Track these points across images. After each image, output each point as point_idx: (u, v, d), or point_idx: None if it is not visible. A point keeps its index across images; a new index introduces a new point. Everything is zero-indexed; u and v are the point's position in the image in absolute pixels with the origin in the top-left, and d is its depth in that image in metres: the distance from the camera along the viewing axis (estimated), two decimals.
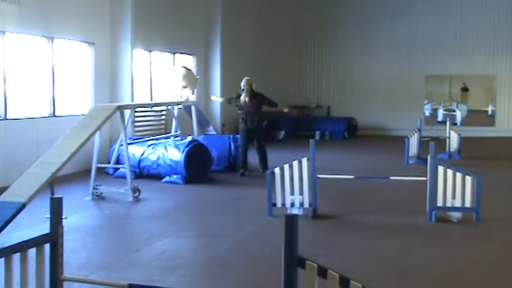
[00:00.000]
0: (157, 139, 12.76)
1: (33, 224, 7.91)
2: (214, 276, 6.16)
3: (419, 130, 14.95)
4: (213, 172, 12.46)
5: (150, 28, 15.72)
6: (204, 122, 14.01)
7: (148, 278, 5.88)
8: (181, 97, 13.08)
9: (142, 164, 12.12)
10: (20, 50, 11.82)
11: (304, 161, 8.47)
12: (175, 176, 11.67)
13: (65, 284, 4.13)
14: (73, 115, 12.62)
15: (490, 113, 22.88)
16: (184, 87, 13.11)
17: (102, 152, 11.73)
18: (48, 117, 12.41)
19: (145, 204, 9.79)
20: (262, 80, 13.64)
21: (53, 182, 8.60)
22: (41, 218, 7.84)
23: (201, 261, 6.68)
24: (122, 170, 11.53)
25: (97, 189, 10.15)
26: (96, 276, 5.92)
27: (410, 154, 14.28)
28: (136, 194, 10.08)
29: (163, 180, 11.76)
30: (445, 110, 23.00)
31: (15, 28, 11.40)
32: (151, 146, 12.25)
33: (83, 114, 11.06)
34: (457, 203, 8.25)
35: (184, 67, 13.66)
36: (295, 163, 8.47)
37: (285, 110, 14.27)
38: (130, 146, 11.37)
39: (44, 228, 4.43)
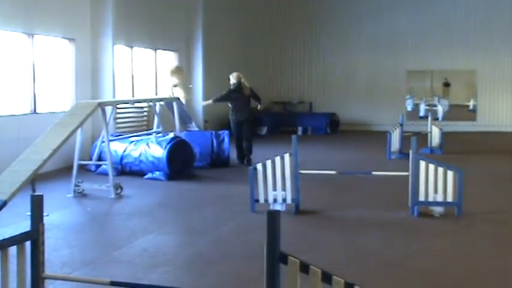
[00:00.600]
0: (139, 136, 12.71)
1: (14, 222, 7.87)
2: (197, 272, 6.15)
3: (401, 125, 15.00)
4: (196, 168, 12.45)
5: (131, 24, 15.63)
6: (186, 118, 13.97)
7: (131, 275, 5.86)
8: (172, 95, 13.07)
9: (125, 160, 12.06)
10: (0, 47, 11.71)
11: (287, 156, 8.49)
12: (157, 173, 11.63)
13: (47, 282, 4.10)
14: (54, 112, 12.53)
15: (471, 107, 23.07)
16: (175, 85, 13.10)
17: (84, 148, 11.68)
18: (29, 114, 12.30)
19: (127, 201, 9.76)
20: (244, 76, 13.65)
21: (35, 179, 8.55)
22: (22, 216, 7.77)
23: (184, 257, 6.67)
24: (103, 166, 11.47)
25: (79, 186, 10.09)
26: (78, 274, 5.90)
27: (392, 149, 14.32)
28: (119, 190, 10.04)
29: (146, 176, 11.72)
30: (427, 105, 23.17)
31: None
32: (134, 143, 12.19)
33: (64, 111, 10.97)
34: (439, 198, 8.30)
35: (177, 66, 13.66)
36: (278, 159, 8.49)
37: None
38: (112, 143, 11.33)
39: (25, 226, 4.40)
